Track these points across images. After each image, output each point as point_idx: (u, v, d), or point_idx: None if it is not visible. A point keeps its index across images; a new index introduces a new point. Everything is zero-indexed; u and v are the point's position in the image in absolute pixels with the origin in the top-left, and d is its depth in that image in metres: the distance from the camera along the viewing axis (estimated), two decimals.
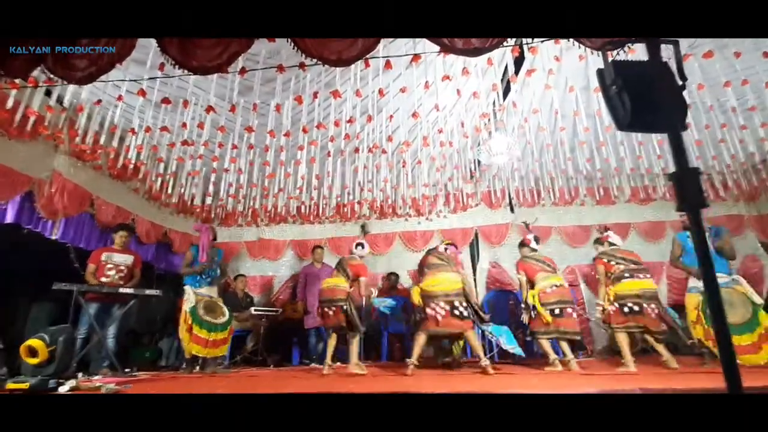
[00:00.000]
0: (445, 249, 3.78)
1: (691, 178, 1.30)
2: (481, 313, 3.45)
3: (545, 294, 3.61)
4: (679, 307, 5.55)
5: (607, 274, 3.54)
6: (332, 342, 3.78)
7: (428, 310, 3.34)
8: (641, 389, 2.05)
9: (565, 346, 3.56)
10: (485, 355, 3.24)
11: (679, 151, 1.33)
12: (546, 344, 3.59)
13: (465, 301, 3.35)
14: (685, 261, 3.56)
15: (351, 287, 3.79)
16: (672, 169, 1.31)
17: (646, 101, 1.47)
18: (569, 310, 3.56)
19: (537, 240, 4.02)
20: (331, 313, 3.64)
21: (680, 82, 1.52)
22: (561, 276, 3.79)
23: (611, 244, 3.73)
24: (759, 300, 3.17)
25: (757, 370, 2.68)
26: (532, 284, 3.77)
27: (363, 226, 4.13)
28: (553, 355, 3.52)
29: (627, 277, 3.40)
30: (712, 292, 1.20)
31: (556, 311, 3.53)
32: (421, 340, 3.37)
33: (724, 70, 3.68)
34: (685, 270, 3.59)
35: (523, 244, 4.04)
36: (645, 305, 3.28)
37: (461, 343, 4.07)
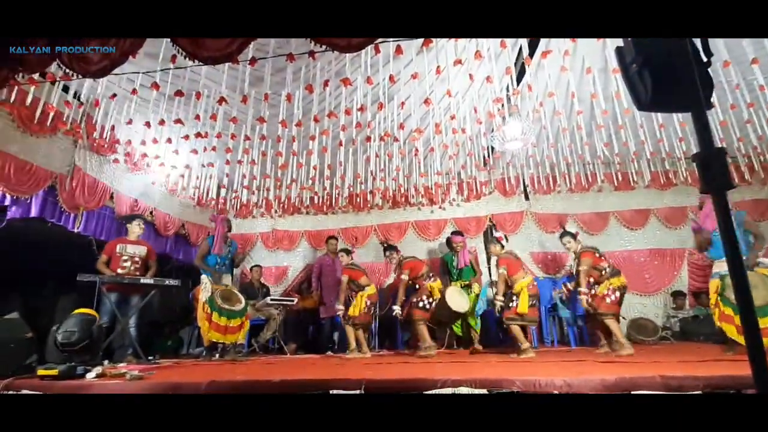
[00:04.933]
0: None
1: (716, 158, 1.25)
2: None
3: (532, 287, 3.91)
4: (699, 294, 5.46)
5: (596, 267, 3.72)
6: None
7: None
8: (661, 376, 2.01)
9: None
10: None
11: (703, 130, 1.27)
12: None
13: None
14: (713, 252, 3.45)
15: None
16: (695, 150, 1.26)
17: (668, 79, 1.41)
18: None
19: (506, 238, 4.33)
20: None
21: (705, 58, 1.45)
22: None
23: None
24: None
25: None
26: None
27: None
28: (527, 344, 3.72)
29: (619, 273, 3.70)
30: (738, 276, 1.15)
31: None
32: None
33: (751, 46, 3.51)
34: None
35: (497, 241, 4.19)
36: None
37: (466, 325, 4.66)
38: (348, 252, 4.76)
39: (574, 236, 4.01)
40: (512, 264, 3.91)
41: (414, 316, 4.13)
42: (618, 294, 3.59)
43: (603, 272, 3.69)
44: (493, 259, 6.05)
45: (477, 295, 4.73)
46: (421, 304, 4.13)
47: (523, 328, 3.90)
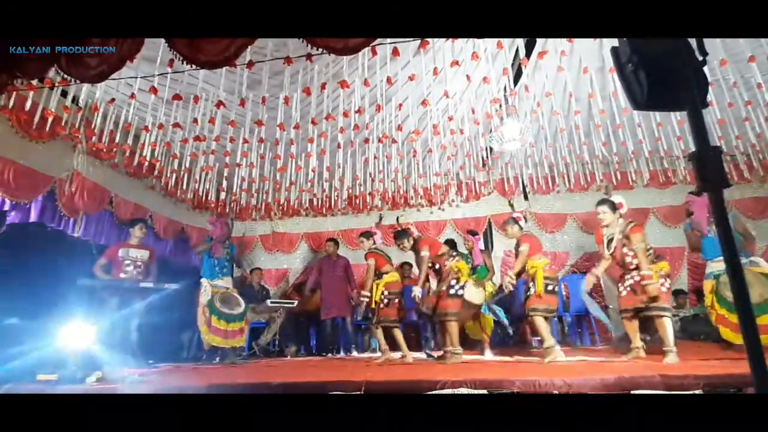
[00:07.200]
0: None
1: (712, 157, 1.25)
2: None
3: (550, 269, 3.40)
4: (699, 293, 5.45)
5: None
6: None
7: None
8: (661, 375, 2.01)
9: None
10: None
11: (699, 129, 1.28)
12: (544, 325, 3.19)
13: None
14: (707, 253, 3.42)
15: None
16: (692, 149, 1.27)
17: (663, 79, 1.41)
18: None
19: (525, 218, 3.87)
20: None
21: (700, 58, 1.46)
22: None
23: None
24: None
25: None
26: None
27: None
28: (552, 340, 3.16)
29: (662, 257, 3.15)
30: (735, 274, 1.15)
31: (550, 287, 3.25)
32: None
33: (748, 44, 3.51)
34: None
35: (515, 222, 3.68)
36: None
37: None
38: (369, 235, 4.03)
39: (614, 206, 3.17)
40: (535, 244, 3.46)
41: (443, 309, 3.36)
42: (669, 283, 2.94)
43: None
44: (498, 247, 5.95)
45: (490, 293, 4.28)
46: (452, 291, 3.35)
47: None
